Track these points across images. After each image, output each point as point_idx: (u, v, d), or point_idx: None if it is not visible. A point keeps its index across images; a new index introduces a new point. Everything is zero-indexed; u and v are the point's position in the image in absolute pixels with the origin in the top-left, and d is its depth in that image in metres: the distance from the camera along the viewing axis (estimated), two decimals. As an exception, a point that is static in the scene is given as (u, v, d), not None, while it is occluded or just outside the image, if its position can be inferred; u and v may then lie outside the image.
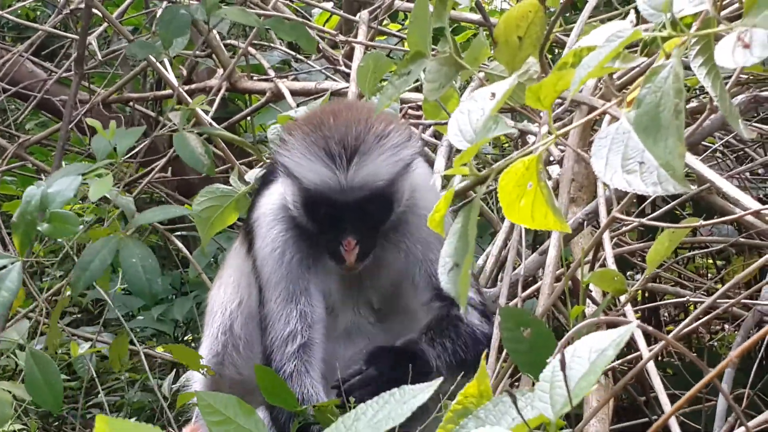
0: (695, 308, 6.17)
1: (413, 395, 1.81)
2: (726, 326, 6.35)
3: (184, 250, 5.27)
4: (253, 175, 3.95)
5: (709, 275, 6.33)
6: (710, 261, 6.22)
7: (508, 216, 2.17)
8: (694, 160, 2.63)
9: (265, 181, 3.63)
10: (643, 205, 5.08)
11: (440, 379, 1.85)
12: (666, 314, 6.54)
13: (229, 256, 3.80)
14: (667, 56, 2.09)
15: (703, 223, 2.62)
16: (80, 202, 4.23)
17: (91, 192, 3.74)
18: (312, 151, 3.26)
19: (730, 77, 2.79)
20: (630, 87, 3.21)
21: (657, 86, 2.03)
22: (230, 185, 3.89)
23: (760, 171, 5.39)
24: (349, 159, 3.23)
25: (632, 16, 2.75)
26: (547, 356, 2.34)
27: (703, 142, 4.66)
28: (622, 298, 2.74)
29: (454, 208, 3.25)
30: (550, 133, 2.16)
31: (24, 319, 3.93)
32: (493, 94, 2.14)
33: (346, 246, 3.28)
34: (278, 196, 3.51)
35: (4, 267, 3.72)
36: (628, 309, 2.89)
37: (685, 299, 4.06)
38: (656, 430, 2.03)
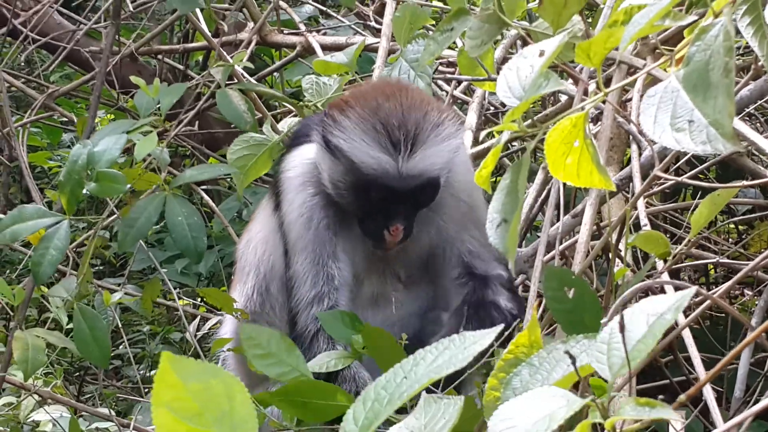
0: (716, 272, 6.20)
1: (474, 341, 1.81)
2: (747, 291, 6.35)
3: (210, 203, 5.28)
4: (286, 124, 3.95)
5: (730, 239, 6.32)
6: (731, 226, 6.21)
7: (554, 173, 2.18)
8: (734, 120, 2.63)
9: (294, 141, 3.60)
10: (670, 170, 5.06)
11: (500, 326, 1.86)
12: (686, 277, 6.53)
13: (258, 211, 3.79)
14: (716, 15, 2.09)
15: (747, 183, 2.63)
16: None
17: (138, 149, 3.74)
18: (371, 136, 3.23)
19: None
20: (663, 46, 3.21)
21: (707, 44, 2.03)
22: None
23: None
24: (409, 148, 3.20)
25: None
26: (591, 316, 2.37)
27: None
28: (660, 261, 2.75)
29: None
30: (596, 91, 2.17)
31: (71, 276, 3.94)
32: (542, 51, 2.14)
33: (393, 231, 3.27)
34: (307, 158, 3.48)
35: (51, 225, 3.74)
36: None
37: (713, 261, 4.03)
38: (694, 393, 2.03)
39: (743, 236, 6.12)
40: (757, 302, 4.77)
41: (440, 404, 1.92)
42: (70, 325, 3.89)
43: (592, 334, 1.85)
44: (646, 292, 3.87)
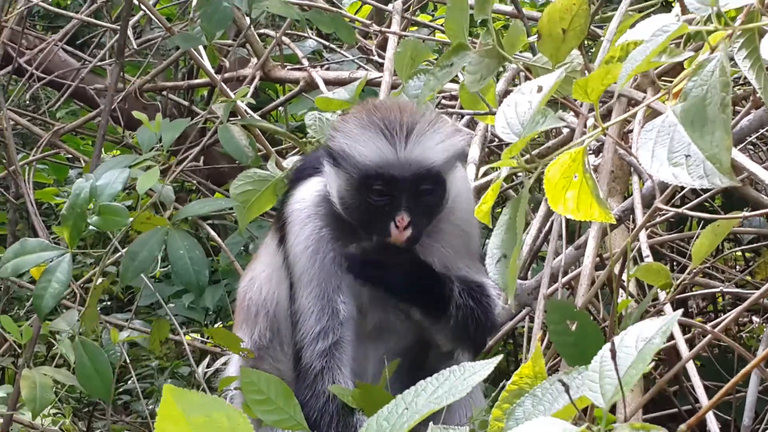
0: (723, 300, 6.20)
1: (473, 372, 1.84)
2: (755, 318, 6.34)
3: (216, 237, 5.30)
4: (291, 161, 3.98)
5: (737, 267, 6.32)
6: (739, 253, 6.21)
7: (554, 207, 2.19)
8: (732, 151, 2.65)
9: (299, 175, 3.62)
10: (675, 198, 5.07)
11: (499, 357, 1.88)
12: (694, 305, 6.53)
13: (262, 248, 3.79)
14: (712, 49, 2.11)
15: (747, 214, 2.64)
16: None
17: (139, 184, 3.77)
18: (369, 129, 3.30)
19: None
20: (664, 78, 3.23)
21: (703, 80, 2.05)
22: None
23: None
24: (406, 135, 3.26)
25: (677, 9, 2.76)
26: (593, 348, 2.38)
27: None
28: (661, 291, 2.76)
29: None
30: (595, 125, 2.19)
31: (73, 309, 3.97)
32: (540, 87, 2.16)
33: (399, 222, 3.28)
34: (315, 190, 3.50)
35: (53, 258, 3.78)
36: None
37: (719, 290, 4.04)
38: (694, 423, 2.05)
39: (750, 264, 6.12)
40: (765, 329, 4.78)
41: (447, 436, 1.95)
42: (78, 361, 3.90)
43: (593, 366, 1.87)
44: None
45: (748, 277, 5.64)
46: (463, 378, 1.86)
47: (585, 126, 2.91)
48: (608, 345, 1.82)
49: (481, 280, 3.52)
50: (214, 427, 1.71)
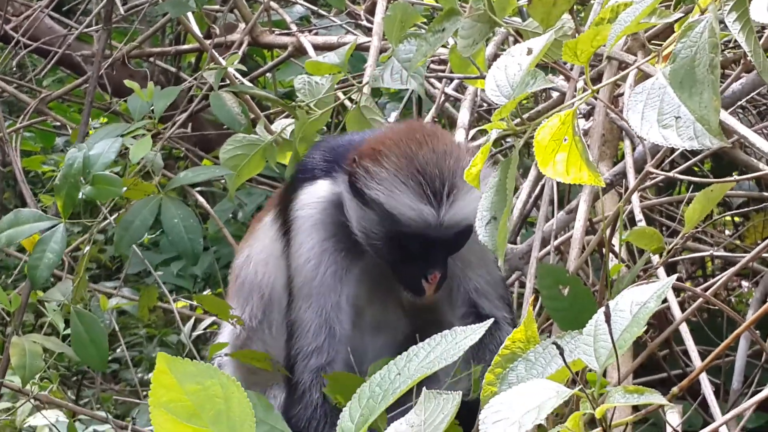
0: (712, 264, 6.21)
1: (465, 335, 1.84)
2: (744, 283, 6.36)
3: (205, 204, 5.29)
4: (280, 125, 3.94)
5: (727, 231, 6.34)
6: (728, 218, 6.22)
7: (543, 170, 2.18)
8: (722, 114, 2.64)
9: (305, 175, 3.55)
10: (664, 163, 5.06)
11: (490, 321, 1.88)
12: (683, 270, 6.54)
13: (259, 227, 3.73)
14: (702, 11, 2.10)
15: (738, 178, 2.64)
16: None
17: (132, 152, 3.76)
18: (411, 187, 3.21)
19: (763, 32, 2.80)
20: (654, 42, 3.22)
21: (692, 41, 2.05)
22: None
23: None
24: (450, 197, 3.18)
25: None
26: (586, 312, 2.38)
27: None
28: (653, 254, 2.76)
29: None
30: (585, 87, 2.18)
31: (67, 280, 3.97)
32: (530, 50, 2.15)
33: (432, 279, 3.24)
34: (320, 196, 3.45)
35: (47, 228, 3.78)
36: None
37: (708, 254, 4.03)
38: (687, 385, 2.05)
39: (739, 228, 6.13)
40: (754, 293, 4.79)
41: (439, 400, 1.95)
42: (67, 330, 3.90)
43: (586, 330, 1.87)
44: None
45: (738, 241, 5.65)
46: (454, 342, 1.87)
47: (575, 90, 2.90)
48: (603, 309, 1.83)
49: (492, 305, 3.48)
50: (208, 395, 1.73)
